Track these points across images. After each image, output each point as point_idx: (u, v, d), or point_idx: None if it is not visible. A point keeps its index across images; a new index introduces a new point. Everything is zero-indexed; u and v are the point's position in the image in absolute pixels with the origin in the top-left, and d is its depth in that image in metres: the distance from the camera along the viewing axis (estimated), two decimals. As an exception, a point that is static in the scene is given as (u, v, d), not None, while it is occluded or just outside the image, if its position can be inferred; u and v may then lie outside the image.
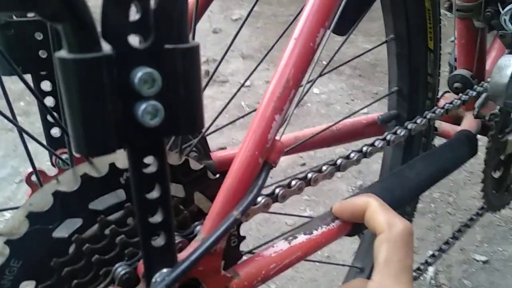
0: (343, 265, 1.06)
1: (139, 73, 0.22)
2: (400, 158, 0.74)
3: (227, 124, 0.59)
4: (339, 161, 0.43)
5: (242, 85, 0.59)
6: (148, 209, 0.26)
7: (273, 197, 0.38)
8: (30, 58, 0.42)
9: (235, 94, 0.58)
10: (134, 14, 0.22)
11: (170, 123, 0.24)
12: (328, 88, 2.11)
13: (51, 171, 0.49)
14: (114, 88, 0.22)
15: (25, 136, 0.38)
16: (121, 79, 0.22)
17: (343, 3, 0.38)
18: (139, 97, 0.22)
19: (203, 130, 0.55)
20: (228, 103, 0.58)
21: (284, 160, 1.58)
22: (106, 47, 0.21)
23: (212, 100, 1.96)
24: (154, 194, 0.26)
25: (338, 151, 1.61)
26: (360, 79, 2.24)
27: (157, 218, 0.27)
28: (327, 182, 1.56)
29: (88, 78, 0.21)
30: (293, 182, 0.40)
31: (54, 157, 0.47)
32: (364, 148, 0.46)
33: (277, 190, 0.39)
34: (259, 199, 0.38)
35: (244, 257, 0.44)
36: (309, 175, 0.41)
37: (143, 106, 0.22)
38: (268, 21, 2.86)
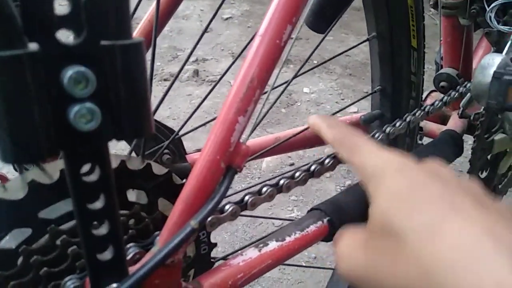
0: (326, 268, 1.04)
1: (70, 72, 0.20)
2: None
3: (201, 125, 0.57)
4: (312, 167, 0.42)
5: (217, 83, 0.57)
6: (91, 221, 0.24)
7: (242, 205, 0.36)
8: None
9: (209, 92, 0.56)
10: (64, 8, 0.20)
11: (110, 126, 0.22)
12: (318, 87, 2.10)
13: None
14: (42, 89, 0.20)
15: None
16: (50, 79, 0.20)
17: (312, 5, 0.36)
18: (71, 98, 0.20)
19: (176, 131, 0.53)
20: (203, 100, 0.56)
21: (272, 160, 1.56)
22: (32, 45, 0.19)
23: (200, 99, 1.94)
24: (98, 204, 0.24)
25: (327, 151, 1.60)
26: (350, 78, 2.22)
27: (102, 230, 0.25)
28: (315, 182, 1.54)
29: (10, 79, 0.19)
30: (264, 189, 0.38)
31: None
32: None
33: (246, 198, 0.37)
34: (227, 207, 0.36)
35: (217, 264, 0.43)
36: (281, 182, 0.39)
37: (76, 108, 0.20)
38: (259, 20, 2.81)
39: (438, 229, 0.23)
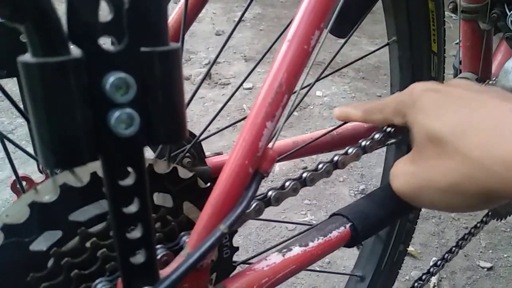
0: (342, 273, 1.04)
1: (112, 79, 0.20)
2: (404, 155, 0.72)
3: (221, 130, 0.58)
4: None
5: (239, 87, 0.57)
6: (126, 224, 0.24)
7: (266, 201, 0.36)
8: (16, 60, 0.41)
9: (230, 97, 0.56)
10: (106, 15, 0.20)
11: (147, 132, 0.22)
12: (331, 91, 2.09)
13: (40, 177, 0.48)
14: (84, 95, 0.20)
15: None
16: (92, 85, 0.20)
17: (340, 3, 0.36)
18: (112, 104, 0.21)
19: (197, 135, 0.53)
20: (223, 106, 0.57)
21: (285, 164, 1.56)
22: (75, 51, 0.20)
23: (213, 102, 1.95)
24: (132, 208, 0.24)
25: (340, 155, 1.59)
26: (363, 81, 2.22)
27: (136, 233, 0.25)
28: (329, 186, 1.53)
29: (55, 84, 0.19)
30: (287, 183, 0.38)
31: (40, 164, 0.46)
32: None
33: (269, 193, 0.37)
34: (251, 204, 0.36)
35: (239, 268, 0.43)
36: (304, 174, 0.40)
37: (116, 114, 0.21)
38: (271, 23, 2.84)
39: (468, 125, 0.26)
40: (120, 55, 0.20)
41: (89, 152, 0.21)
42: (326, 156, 1.49)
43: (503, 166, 0.23)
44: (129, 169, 0.24)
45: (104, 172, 0.23)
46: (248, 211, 0.35)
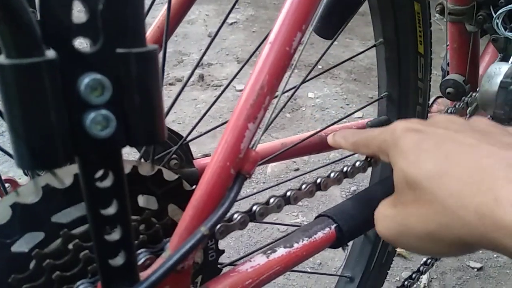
0: (332, 274, 1.04)
1: (86, 80, 0.20)
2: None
3: (209, 130, 0.58)
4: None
5: (226, 87, 0.57)
6: (104, 227, 0.24)
7: (250, 214, 0.36)
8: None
9: (217, 98, 0.56)
10: (81, 16, 0.20)
11: (125, 133, 0.22)
12: (323, 92, 2.10)
13: (25, 180, 0.48)
14: (59, 96, 0.20)
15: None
16: (67, 87, 0.20)
17: (322, 5, 0.36)
18: (87, 106, 0.21)
19: (184, 136, 0.53)
20: (210, 106, 0.56)
21: (277, 165, 1.56)
22: (50, 52, 0.20)
23: (206, 104, 1.94)
24: (111, 210, 0.24)
25: (332, 156, 1.60)
26: (355, 83, 2.23)
27: (114, 236, 0.25)
28: (321, 188, 1.54)
29: (29, 86, 0.19)
30: (272, 200, 0.38)
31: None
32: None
33: (254, 208, 0.37)
34: (235, 216, 0.36)
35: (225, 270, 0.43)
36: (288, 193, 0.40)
37: (91, 115, 0.21)
38: (264, 25, 2.85)
39: (444, 171, 0.26)
40: (95, 56, 0.20)
41: (65, 153, 0.21)
42: (317, 157, 1.47)
43: (476, 217, 0.23)
44: (107, 171, 0.24)
45: (81, 174, 0.23)
46: (233, 223, 0.35)
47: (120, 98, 0.21)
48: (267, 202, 0.38)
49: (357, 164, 0.46)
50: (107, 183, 0.24)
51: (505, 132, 0.28)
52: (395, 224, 0.29)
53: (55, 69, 0.19)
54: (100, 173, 0.23)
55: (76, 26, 0.20)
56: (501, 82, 0.53)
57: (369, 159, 0.49)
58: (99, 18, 0.20)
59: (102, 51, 0.21)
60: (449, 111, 0.59)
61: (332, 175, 0.43)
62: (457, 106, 0.60)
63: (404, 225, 0.29)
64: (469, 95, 0.61)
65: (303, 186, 0.42)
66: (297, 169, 1.57)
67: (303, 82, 0.53)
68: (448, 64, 0.82)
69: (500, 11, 0.67)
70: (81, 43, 0.21)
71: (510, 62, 0.66)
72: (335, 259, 1.21)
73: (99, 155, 0.23)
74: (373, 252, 0.75)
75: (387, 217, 0.31)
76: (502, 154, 0.24)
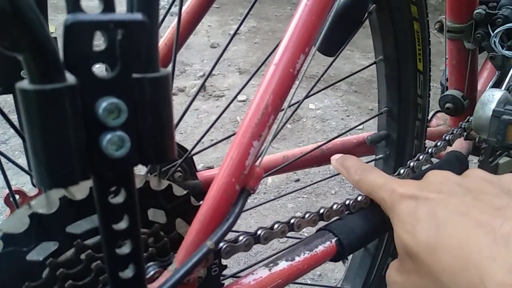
0: (332, 287, 1.04)
1: (104, 104, 0.21)
2: (392, 170, 0.74)
3: (213, 144, 0.59)
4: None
5: (234, 99, 0.58)
6: (116, 241, 0.25)
7: (255, 237, 0.38)
8: (11, 77, 0.42)
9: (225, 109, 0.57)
10: (100, 43, 0.22)
11: (137, 152, 0.23)
12: (324, 104, 2.12)
13: (33, 191, 0.49)
14: (78, 119, 0.21)
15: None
16: (86, 110, 0.21)
17: (325, 28, 0.38)
18: (104, 127, 0.22)
19: (189, 149, 0.55)
20: (214, 122, 0.58)
21: (277, 176, 1.57)
22: (70, 78, 0.21)
23: (207, 114, 1.96)
24: (122, 225, 0.25)
25: (332, 168, 1.61)
26: (356, 95, 2.25)
27: (125, 249, 0.26)
28: (321, 199, 1.55)
29: (51, 110, 0.20)
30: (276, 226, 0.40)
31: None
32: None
33: (259, 232, 0.39)
34: (241, 238, 0.37)
35: (227, 282, 0.43)
36: (292, 221, 0.42)
37: (108, 137, 0.22)
38: (266, 36, 2.88)
39: (437, 242, 0.27)
40: (113, 81, 0.22)
41: (82, 172, 0.22)
42: (317, 168, 1.48)
43: None
44: (120, 187, 0.25)
45: (96, 191, 0.24)
46: (238, 244, 0.37)
47: (135, 120, 0.23)
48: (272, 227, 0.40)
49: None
50: (119, 199, 0.25)
51: (498, 190, 0.29)
52: None
53: (75, 93, 0.21)
54: (113, 189, 0.24)
55: (96, 53, 0.21)
56: (494, 111, 0.54)
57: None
58: (117, 47, 0.21)
59: (119, 77, 0.22)
60: (447, 138, 0.61)
61: (334, 206, 0.46)
62: (455, 132, 0.61)
63: None
64: (465, 120, 0.63)
65: (307, 215, 0.45)
66: (297, 180, 1.58)
67: (307, 96, 0.55)
68: (447, 80, 0.84)
69: (498, 30, 0.68)
70: (99, 69, 0.22)
71: (503, 88, 0.68)
72: (335, 270, 1.22)
73: (113, 173, 0.24)
74: (373, 265, 0.76)
75: (395, 283, 0.33)
76: (491, 224, 0.26)
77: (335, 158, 0.47)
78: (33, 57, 0.20)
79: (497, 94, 0.53)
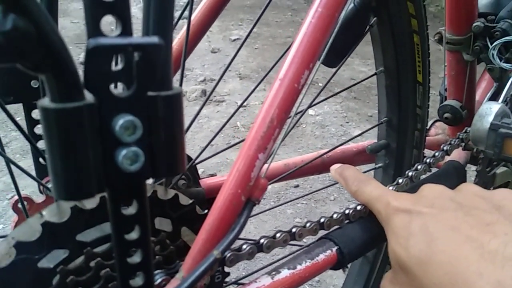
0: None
1: (121, 121, 0.22)
2: (391, 178, 0.75)
3: (216, 154, 0.60)
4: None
5: (239, 107, 0.59)
6: (127, 250, 0.26)
7: (258, 246, 0.39)
8: (22, 87, 0.43)
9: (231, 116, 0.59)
10: (116, 63, 0.23)
11: (150, 167, 0.25)
12: (323, 110, 2.13)
13: (40, 197, 0.50)
14: (96, 135, 0.22)
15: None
16: (103, 127, 0.22)
17: (328, 45, 0.39)
18: (120, 143, 0.23)
19: (193, 158, 0.56)
20: (219, 130, 0.59)
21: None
22: (89, 96, 0.22)
23: (208, 119, 1.97)
24: (134, 235, 0.26)
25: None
26: (355, 101, 2.26)
27: (135, 258, 0.27)
28: (320, 205, 1.56)
29: (70, 127, 0.21)
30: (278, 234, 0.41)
31: (41, 185, 0.48)
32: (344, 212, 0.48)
33: (262, 241, 0.40)
34: (244, 246, 0.39)
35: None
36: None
37: (123, 152, 0.23)
38: (266, 42, 2.90)
39: (429, 257, 0.28)
40: (129, 99, 0.23)
41: (98, 185, 0.23)
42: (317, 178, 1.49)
43: None
44: (132, 199, 0.26)
45: (110, 203, 0.25)
46: (242, 252, 0.38)
47: (149, 136, 0.24)
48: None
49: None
50: (131, 210, 0.26)
51: (489, 206, 0.30)
52: None
53: (93, 111, 0.22)
54: (125, 201, 0.25)
55: (113, 73, 0.22)
56: (491, 124, 0.55)
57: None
58: (134, 67, 0.23)
59: (135, 95, 0.23)
60: (445, 149, 0.62)
61: (335, 215, 0.47)
62: (452, 142, 0.62)
63: None
64: (464, 131, 0.64)
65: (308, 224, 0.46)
66: (297, 186, 1.59)
67: (310, 106, 0.56)
68: (446, 90, 0.85)
69: (496, 42, 0.70)
70: (116, 87, 0.23)
71: (500, 101, 0.69)
72: (333, 276, 1.22)
73: (127, 186, 0.25)
74: (371, 272, 0.77)
75: None
76: (480, 240, 0.27)
77: (334, 168, 0.49)
78: (55, 77, 0.21)
79: (494, 107, 0.55)
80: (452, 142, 0.63)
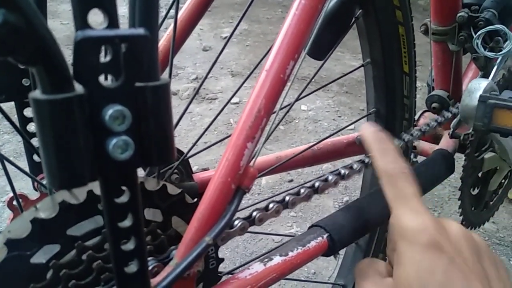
0: (325, 282, 1.07)
1: (110, 111, 0.23)
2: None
3: (208, 147, 0.61)
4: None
5: (228, 102, 0.60)
6: (121, 238, 0.27)
7: (250, 220, 0.39)
8: (13, 86, 0.44)
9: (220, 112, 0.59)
10: (105, 55, 0.24)
11: (141, 155, 0.25)
12: (316, 105, 2.15)
13: (34, 195, 0.50)
14: (86, 125, 0.23)
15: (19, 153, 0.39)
16: (93, 117, 0.23)
17: (313, 36, 0.40)
18: (110, 132, 0.24)
19: (185, 152, 0.57)
20: (209, 125, 0.60)
21: (271, 177, 1.59)
22: (78, 87, 0.23)
23: (201, 117, 1.98)
24: (127, 222, 0.27)
25: (325, 167, 1.64)
26: (347, 95, 2.28)
27: (129, 245, 0.28)
28: (314, 198, 1.57)
29: (61, 117, 0.22)
30: (271, 205, 0.41)
31: (35, 182, 0.48)
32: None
33: (254, 214, 0.40)
34: (236, 222, 0.39)
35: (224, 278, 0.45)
36: (287, 198, 0.43)
37: (114, 141, 0.24)
38: (257, 39, 2.91)
39: None
40: (118, 90, 0.24)
41: (89, 174, 0.24)
42: (311, 169, 1.51)
43: None
44: (124, 188, 0.27)
45: (102, 191, 0.26)
46: (233, 229, 0.39)
47: (138, 125, 0.25)
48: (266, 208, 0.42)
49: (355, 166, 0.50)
50: (124, 199, 0.27)
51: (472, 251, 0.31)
52: None
53: (83, 102, 0.23)
54: (118, 190, 0.26)
55: (102, 64, 0.23)
56: (480, 96, 0.57)
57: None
58: (122, 58, 0.23)
59: (123, 86, 0.24)
60: (438, 121, 0.64)
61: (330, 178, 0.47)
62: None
63: None
64: (455, 106, 0.66)
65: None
66: (291, 180, 1.60)
67: (298, 99, 0.57)
68: (433, 81, 0.87)
69: (480, 32, 0.71)
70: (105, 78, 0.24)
71: (489, 78, 0.71)
72: (328, 268, 1.24)
73: (118, 174, 0.26)
74: (365, 261, 0.78)
75: None
76: None
77: (364, 129, 0.38)
78: (45, 69, 0.21)
79: (483, 83, 0.56)
80: (445, 115, 0.64)
